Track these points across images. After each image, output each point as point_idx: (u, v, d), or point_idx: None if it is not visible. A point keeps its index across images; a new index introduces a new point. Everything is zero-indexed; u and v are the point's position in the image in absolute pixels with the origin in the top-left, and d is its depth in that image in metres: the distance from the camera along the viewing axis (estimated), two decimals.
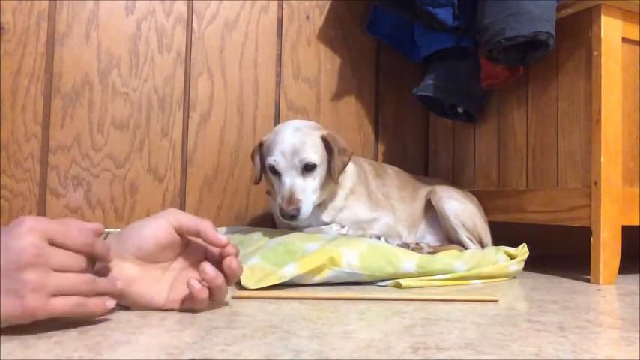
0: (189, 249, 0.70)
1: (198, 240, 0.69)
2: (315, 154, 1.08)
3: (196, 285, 0.64)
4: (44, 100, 1.25)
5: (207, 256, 0.70)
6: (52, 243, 0.54)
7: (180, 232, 0.66)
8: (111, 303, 0.59)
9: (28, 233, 0.52)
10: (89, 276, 0.57)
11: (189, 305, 0.66)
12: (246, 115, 1.44)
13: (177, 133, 1.37)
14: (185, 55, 1.38)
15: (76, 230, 0.56)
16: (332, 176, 1.10)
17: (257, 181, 1.15)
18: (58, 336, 0.54)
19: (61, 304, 0.54)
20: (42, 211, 1.23)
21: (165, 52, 1.36)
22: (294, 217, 1.04)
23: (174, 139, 1.36)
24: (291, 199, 1.04)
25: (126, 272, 0.63)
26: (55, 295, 0.53)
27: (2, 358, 0.47)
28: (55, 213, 1.24)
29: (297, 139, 1.08)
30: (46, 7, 1.24)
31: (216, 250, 0.69)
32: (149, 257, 0.65)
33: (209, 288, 0.65)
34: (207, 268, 0.64)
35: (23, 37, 1.23)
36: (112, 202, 1.30)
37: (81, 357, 0.48)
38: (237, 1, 1.44)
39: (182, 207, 1.36)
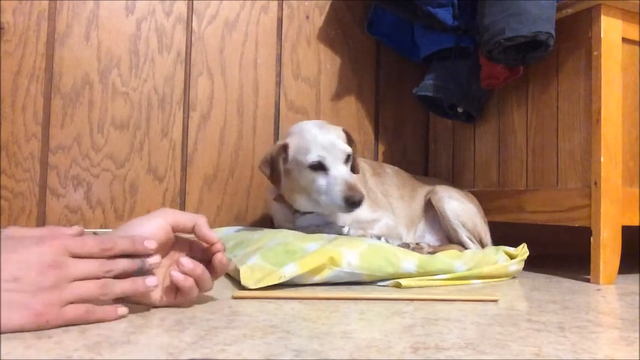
0: (176, 245, 0.72)
1: (185, 236, 0.72)
2: (347, 145, 1.13)
3: (179, 276, 0.66)
4: (44, 100, 1.25)
5: (192, 249, 0.72)
6: (73, 255, 0.56)
7: (177, 230, 0.69)
8: (122, 310, 0.62)
9: (50, 249, 0.54)
10: (106, 281, 0.59)
11: (180, 299, 0.69)
12: (246, 115, 1.44)
13: (177, 133, 1.37)
14: (185, 55, 1.38)
15: (90, 240, 0.59)
16: (354, 167, 1.15)
17: (279, 184, 1.12)
18: (58, 336, 0.54)
19: (73, 313, 0.56)
20: (42, 211, 1.23)
21: (165, 52, 1.36)
22: (360, 202, 1.05)
23: (174, 139, 1.36)
24: (352, 187, 1.07)
25: None
26: (70, 302, 0.56)
27: (2, 358, 0.47)
28: (55, 213, 1.24)
29: (332, 134, 1.12)
30: (46, 7, 1.24)
31: (205, 245, 0.71)
32: None
33: (192, 276, 0.67)
34: (184, 260, 0.67)
35: (23, 37, 1.23)
36: (112, 202, 1.30)
37: (81, 357, 0.48)
38: (237, 1, 1.44)
39: (182, 207, 1.36)
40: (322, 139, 1.10)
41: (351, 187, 1.06)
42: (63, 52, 1.26)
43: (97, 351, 0.50)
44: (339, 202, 1.06)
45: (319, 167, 1.09)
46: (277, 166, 1.11)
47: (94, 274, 0.57)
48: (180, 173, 1.37)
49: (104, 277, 0.58)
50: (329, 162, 1.09)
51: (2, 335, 0.52)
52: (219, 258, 0.70)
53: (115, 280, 0.60)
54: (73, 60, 1.27)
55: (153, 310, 0.67)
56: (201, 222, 0.69)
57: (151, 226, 0.66)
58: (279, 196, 1.20)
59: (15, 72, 1.22)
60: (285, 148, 1.13)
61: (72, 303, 0.56)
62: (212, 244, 0.70)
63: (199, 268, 0.67)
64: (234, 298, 0.78)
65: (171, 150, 1.36)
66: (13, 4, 1.22)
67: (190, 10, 1.38)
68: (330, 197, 1.07)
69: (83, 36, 1.28)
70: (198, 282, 0.68)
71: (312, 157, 1.08)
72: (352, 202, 1.05)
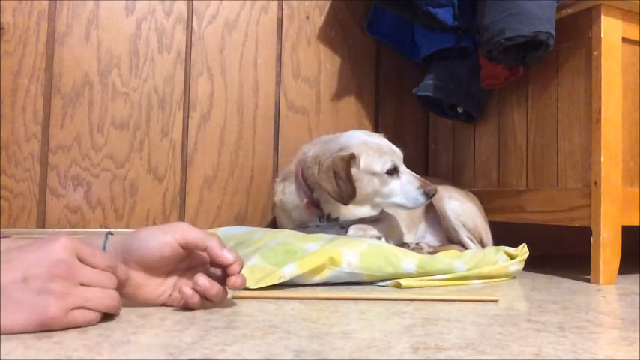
0: (192, 255, 0.71)
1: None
2: None
3: (188, 291, 0.67)
4: (44, 100, 1.25)
5: (210, 261, 0.71)
6: (81, 261, 0.57)
7: (186, 248, 0.67)
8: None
9: (61, 249, 0.55)
10: (115, 293, 0.60)
11: (185, 305, 0.69)
12: (246, 115, 1.44)
13: (177, 133, 1.37)
14: (185, 55, 1.38)
15: (99, 253, 0.60)
16: None
17: (352, 197, 1.10)
18: (58, 336, 0.54)
19: (79, 318, 0.56)
20: (42, 211, 1.23)
21: (165, 52, 1.36)
22: (435, 192, 1.15)
23: (174, 139, 1.36)
24: (423, 181, 1.15)
25: (132, 279, 0.65)
26: (77, 307, 0.56)
27: (2, 358, 0.47)
28: (55, 213, 1.24)
29: (387, 141, 1.18)
30: (46, 7, 1.24)
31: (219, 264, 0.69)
32: (153, 267, 0.67)
33: (204, 295, 0.67)
34: (200, 280, 0.66)
35: (23, 37, 1.23)
36: (112, 202, 1.30)
37: (81, 357, 0.48)
38: (237, 1, 1.44)
39: (182, 207, 1.36)
40: (386, 146, 1.16)
41: (423, 182, 1.15)
42: (63, 52, 1.26)
43: (97, 351, 0.50)
44: (421, 198, 1.14)
45: (393, 172, 1.14)
46: (350, 178, 1.09)
47: (102, 284, 0.58)
48: (180, 173, 1.37)
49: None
50: (399, 166, 1.16)
51: (2, 335, 0.52)
52: (233, 281, 0.68)
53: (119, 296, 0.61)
54: (73, 60, 1.27)
55: (153, 310, 0.67)
56: (213, 244, 0.67)
57: (159, 243, 0.65)
58: (311, 204, 1.18)
59: (15, 72, 1.22)
60: (352, 158, 1.11)
61: (80, 307, 0.56)
62: (228, 265, 0.68)
63: (214, 289, 0.67)
64: (235, 298, 0.78)
65: (171, 150, 1.36)
66: (13, 4, 1.22)
67: (190, 10, 1.38)
68: (408, 196, 1.14)
69: (83, 36, 1.28)
70: (210, 298, 0.68)
71: (389, 164, 1.13)
72: (431, 195, 1.15)
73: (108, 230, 0.69)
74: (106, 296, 0.58)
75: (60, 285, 0.54)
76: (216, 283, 0.67)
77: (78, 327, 0.56)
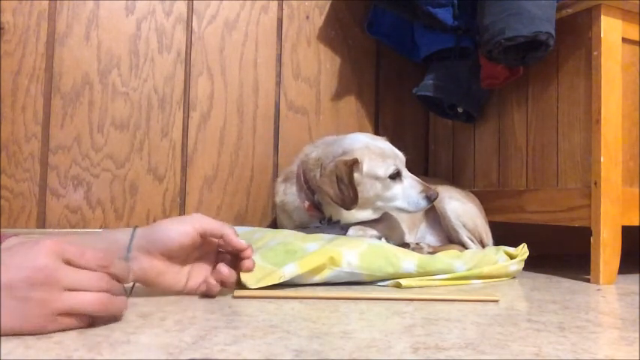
0: (203, 244, 0.77)
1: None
2: None
3: (213, 282, 0.75)
4: (44, 100, 1.25)
5: (225, 247, 0.78)
6: (69, 263, 0.56)
7: (204, 236, 0.74)
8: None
9: (44, 253, 0.54)
10: (104, 295, 0.57)
11: (203, 289, 0.76)
12: (246, 115, 1.44)
13: (177, 133, 1.37)
14: (185, 55, 1.38)
15: (90, 252, 0.58)
16: None
17: (355, 202, 1.10)
18: (58, 336, 0.54)
19: (66, 324, 0.55)
20: (42, 211, 1.23)
21: (165, 52, 1.36)
22: (437, 197, 1.15)
23: (174, 139, 1.36)
24: (425, 185, 1.15)
25: (155, 267, 0.71)
26: (64, 313, 0.54)
27: (2, 358, 0.47)
28: (55, 213, 1.24)
29: (389, 145, 1.18)
30: (46, 7, 1.24)
31: (234, 250, 0.77)
32: (173, 255, 0.72)
33: (222, 283, 0.76)
34: (223, 269, 0.75)
35: (23, 37, 1.23)
36: (112, 202, 1.30)
37: (81, 357, 0.48)
38: (237, 1, 1.44)
39: (182, 207, 1.36)
40: (389, 150, 1.16)
41: (425, 186, 1.15)
42: (63, 52, 1.26)
43: (97, 351, 0.50)
44: (422, 203, 1.14)
45: (396, 176, 1.14)
46: (353, 183, 1.09)
47: (89, 286, 0.56)
48: (180, 173, 1.37)
49: (101, 292, 0.57)
50: (402, 170, 1.16)
51: (2, 336, 0.52)
52: (246, 265, 0.77)
53: (115, 297, 0.59)
54: (73, 60, 1.27)
55: (153, 310, 0.67)
56: (229, 232, 0.75)
57: (179, 232, 0.71)
58: (312, 206, 1.18)
59: (15, 72, 1.22)
60: (356, 163, 1.10)
61: (67, 313, 0.54)
62: (243, 250, 0.76)
63: (233, 277, 0.76)
64: (235, 297, 0.78)
65: (171, 150, 1.36)
66: (13, 4, 1.22)
67: (190, 10, 1.38)
68: (410, 200, 1.14)
69: (83, 36, 1.28)
70: (226, 284, 0.76)
71: (392, 168, 1.13)
72: (433, 199, 1.15)
73: (135, 226, 0.72)
74: (93, 300, 0.56)
75: (40, 292, 0.52)
76: (234, 272, 0.76)
77: (74, 328, 0.56)
